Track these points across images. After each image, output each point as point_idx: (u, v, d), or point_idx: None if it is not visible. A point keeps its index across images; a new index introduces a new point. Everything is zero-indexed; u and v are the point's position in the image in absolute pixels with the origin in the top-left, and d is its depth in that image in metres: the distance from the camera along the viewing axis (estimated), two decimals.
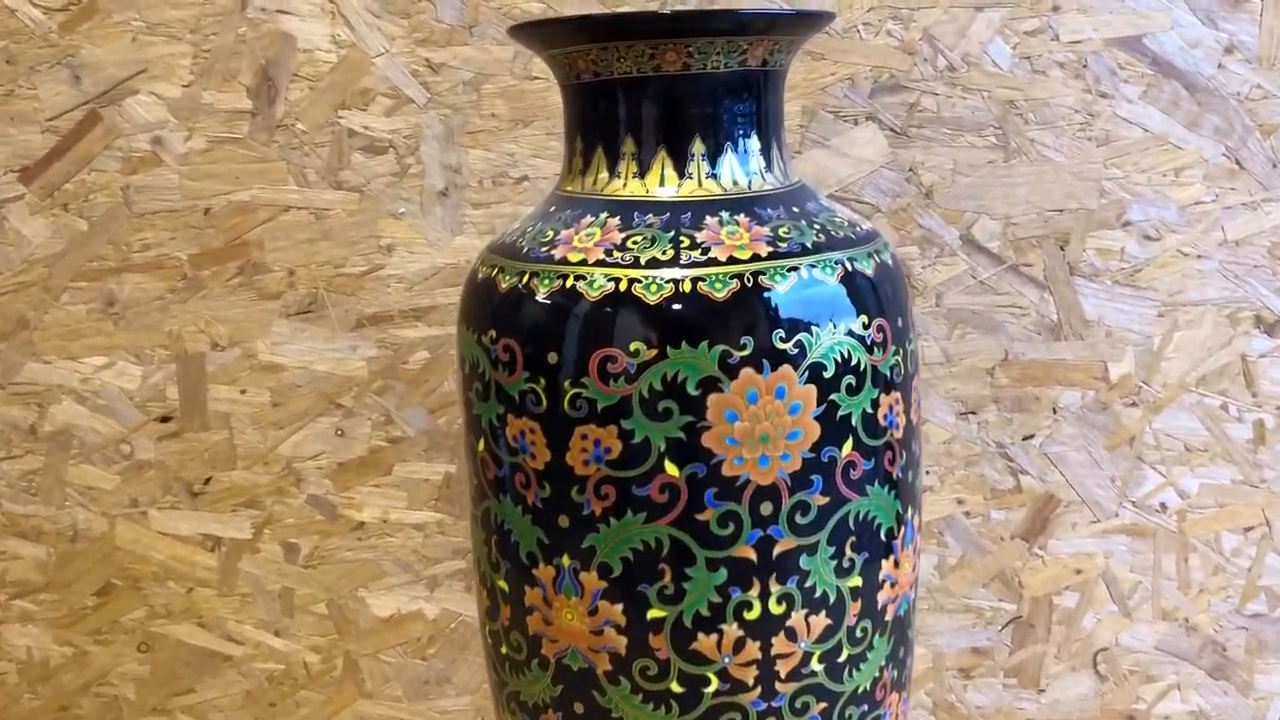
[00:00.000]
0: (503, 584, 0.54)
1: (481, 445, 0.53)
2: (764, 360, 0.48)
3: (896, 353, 0.52)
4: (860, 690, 0.53)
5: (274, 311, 0.83)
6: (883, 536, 0.53)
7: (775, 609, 0.50)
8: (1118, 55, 0.79)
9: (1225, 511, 0.85)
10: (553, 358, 0.49)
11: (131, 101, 0.80)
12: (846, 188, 0.81)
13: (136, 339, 0.84)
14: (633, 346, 0.48)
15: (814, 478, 0.49)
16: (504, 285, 0.51)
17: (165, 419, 0.85)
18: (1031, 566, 0.86)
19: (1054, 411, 0.84)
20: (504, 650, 0.55)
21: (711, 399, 0.48)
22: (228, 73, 0.80)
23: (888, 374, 0.51)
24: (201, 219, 0.82)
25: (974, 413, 0.84)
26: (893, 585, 0.54)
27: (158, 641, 0.88)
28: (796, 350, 0.48)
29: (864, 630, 0.53)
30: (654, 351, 0.48)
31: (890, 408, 0.52)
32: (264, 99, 0.80)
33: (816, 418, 0.49)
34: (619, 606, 0.50)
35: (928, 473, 0.85)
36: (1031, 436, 0.85)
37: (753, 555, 0.49)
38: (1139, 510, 0.85)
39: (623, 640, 0.50)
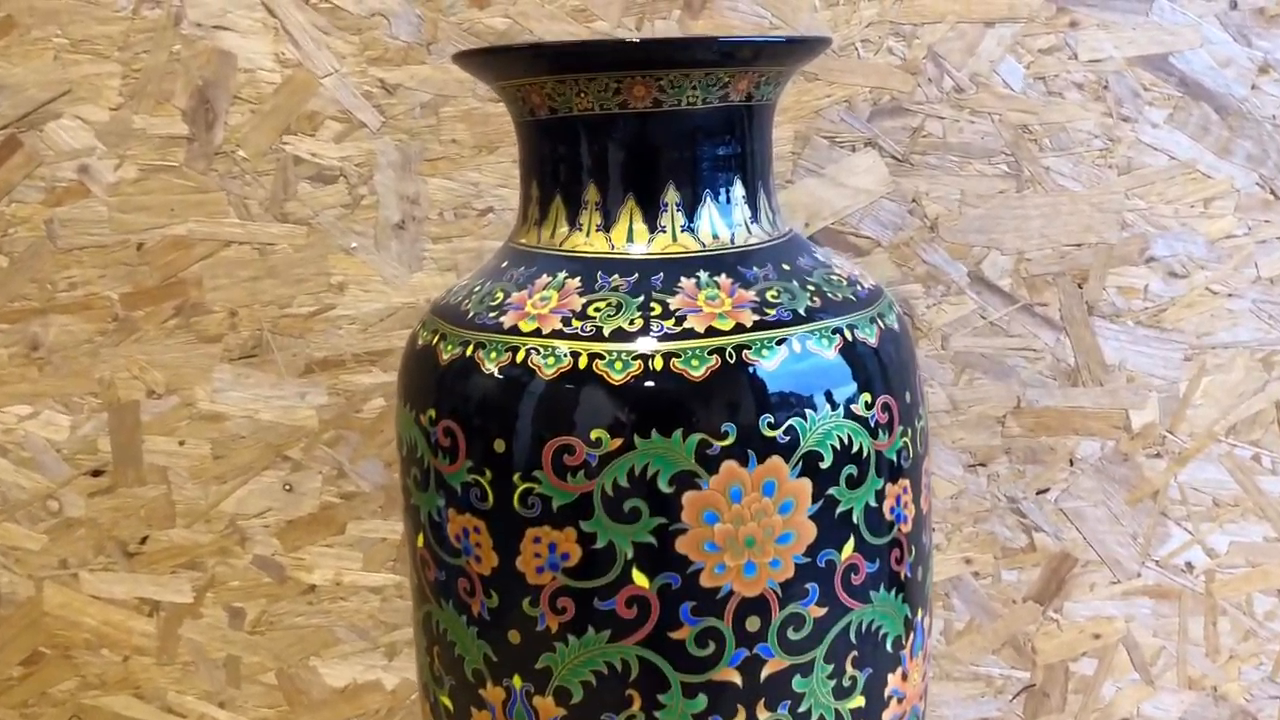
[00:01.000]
0: (447, 701, 0.46)
1: (421, 540, 0.46)
2: (749, 450, 0.40)
3: (904, 434, 0.45)
4: None
5: (215, 356, 0.76)
6: (889, 647, 0.45)
7: None
8: (1142, 75, 0.72)
9: (1257, 571, 0.78)
10: (500, 445, 0.42)
11: (55, 126, 0.73)
12: (843, 220, 0.74)
13: (64, 386, 0.76)
14: (594, 435, 0.40)
15: (809, 586, 0.42)
16: (446, 356, 0.44)
17: (97, 473, 0.77)
18: (1046, 631, 0.79)
19: (1071, 463, 0.77)
20: None
21: (687, 497, 0.40)
22: (161, 95, 0.72)
23: (894, 459, 0.44)
24: (134, 255, 0.74)
25: (983, 464, 0.77)
26: (900, 701, 0.46)
27: (91, 715, 0.81)
28: (788, 438, 0.41)
29: None
30: (619, 441, 0.40)
31: (897, 499, 0.44)
32: (201, 123, 0.73)
33: (812, 516, 0.42)
34: None
35: (933, 529, 0.77)
36: (1046, 490, 0.77)
37: (737, 679, 0.42)
38: (1163, 570, 0.78)
39: None
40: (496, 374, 0.42)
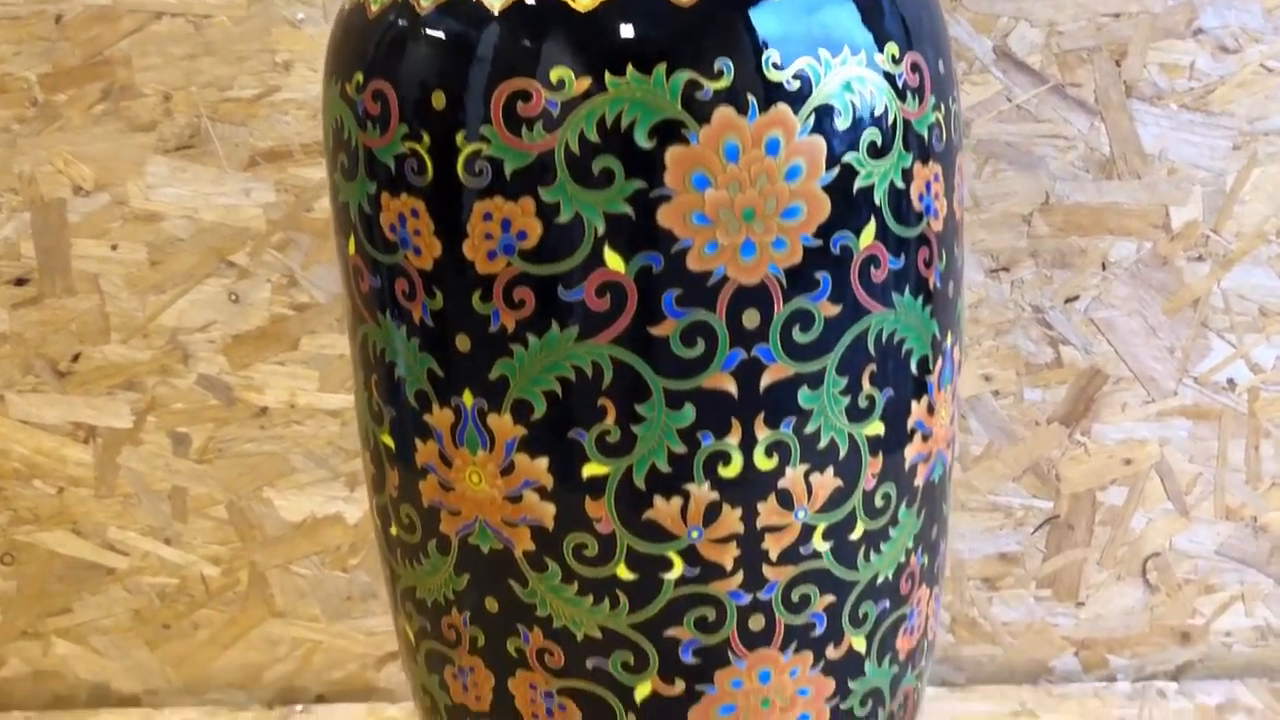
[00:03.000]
0: (387, 440, 0.39)
1: (352, 246, 0.38)
2: (749, 96, 0.33)
3: (937, 108, 0.37)
4: (880, 580, 0.39)
5: (148, 146, 0.68)
6: (913, 368, 0.38)
7: (763, 463, 0.36)
8: None
9: None
10: (439, 100, 0.34)
11: None
12: None
13: None
14: (554, 75, 0.32)
15: (820, 276, 0.35)
16: (375, 8, 0.36)
17: (20, 281, 0.69)
18: (1072, 456, 0.72)
19: (1103, 268, 0.69)
20: (393, 531, 0.40)
21: (672, 154, 0.33)
22: None
23: (925, 136, 0.36)
24: (52, 29, 0.66)
25: (1006, 269, 0.69)
26: (925, 439, 0.39)
27: (24, 552, 0.74)
28: (797, 83, 0.33)
29: (886, 498, 0.38)
30: (586, 81, 0.32)
31: (927, 185, 0.37)
32: None
33: (825, 188, 0.34)
34: (543, 461, 0.35)
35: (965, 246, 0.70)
36: (1075, 299, 0.70)
37: (731, 387, 0.35)
38: (1202, 388, 0.71)
39: (549, 509, 0.36)
40: (433, 11, 0.34)
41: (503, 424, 0.35)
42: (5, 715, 0.75)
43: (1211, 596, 0.75)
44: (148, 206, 0.68)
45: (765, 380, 0.35)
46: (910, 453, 0.38)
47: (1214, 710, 0.72)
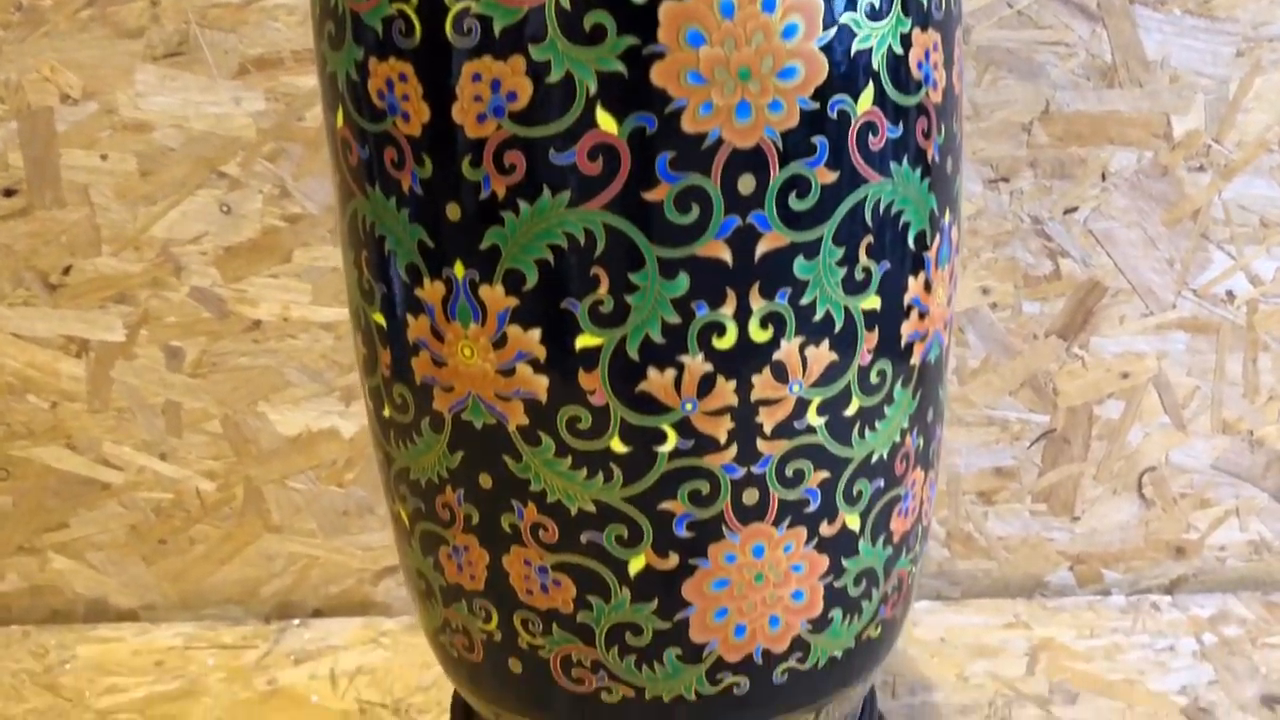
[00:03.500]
0: (378, 318, 0.39)
1: (340, 118, 0.37)
2: None
3: None
4: (874, 459, 0.39)
5: (136, 54, 0.66)
6: (910, 243, 0.37)
7: (758, 334, 0.35)
8: None
9: None
10: None
11: None
12: None
13: None
14: None
15: (817, 141, 0.34)
16: None
17: (9, 192, 0.69)
18: (1069, 370, 0.72)
19: (1103, 178, 0.69)
20: (386, 413, 0.40)
21: (666, 9, 0.32)
22: None
23: (925, 2, 0.36)
24: None
25: (1005, 180, 0.69)
26: (922, 317, 0.39)
27: (20, 467, 0.73)
28: None
29: (881, 375, 0.38)
30: None
31: (926, 54, 0.36)
32: None
33: (823, 48, 0.33)
34: (535, 333, 0.35)
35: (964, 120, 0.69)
36: (1074, 209, 0.69)
37: (726, 255, 0.34)
38: (1201, 300, 0.71)
39: (542, 382, 0.36)
40: None
41: (494, 295, 0.35)
42: (4, 629, 0.76)
43: (1206, 511, 0.75)
44: (137, 115, 0.67)
45: (761, 249, 0.34)
46: (906, 330, 0.38)
47: (1206, 622, 0.72)
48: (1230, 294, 0.71)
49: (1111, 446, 0.73)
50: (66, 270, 0.70)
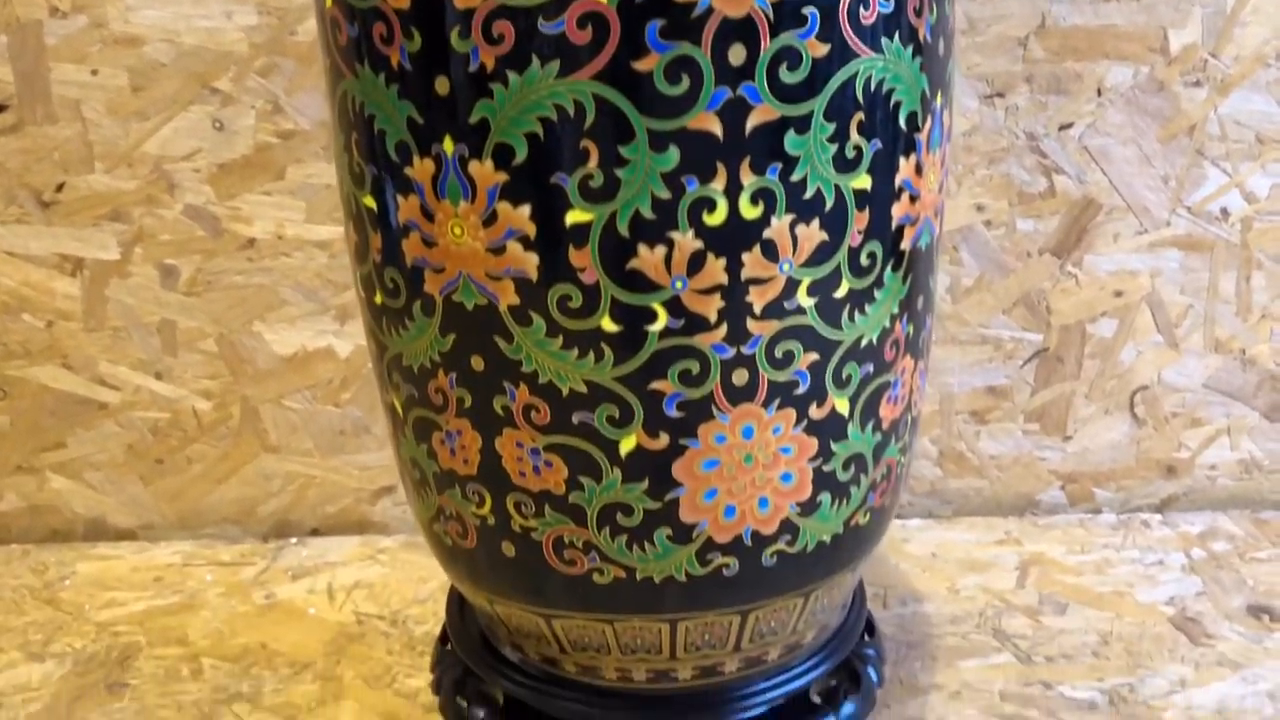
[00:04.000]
0: (369, 202, 0.39)
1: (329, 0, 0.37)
2: None
3: None
4: (864, 343, 0.39)
5: None
6: (902, 123, 0.37)
7: (748, 211, 0.35)
8: None
9: None
10: None
11: None
12: None
13: None
14: None
15: (808, 12, 0.34)
16: None
17: (0, 108, 0.68)
18: (1063, 288, 0.72)
19: (1098, 93, 0.68)
20: (378, 300, 0.40)
21: None
22: None
23: None
24: None
25: (1001, 95, 0.68)
26: (913, 200, 0.39)
27: (16, 387, 0.74)
28: None
29: (871, 257, 0.38)
30: None
31: None
32: None
33: None
34: (525, 209, 0.35)
35: None
36: (1070, 126, 0.69)
37: (716, 128, 0.34)
38: (1195, 218, 0.71)
39: (532, 259, 0.36)
40: None
41: (484, 171, 0.35)
42: (4, 548, 0.76)
43: (1198, 430, 0.75)
44: (127, 29, 0.67)
45: (751, 122, 0.34)
46: (897, 212, 0.38)
47: (1196, 538, 0.73)
48: (1225, 211, 0.70)
49: (1104, 365, 0.74)
50: (59, 188, 0.70)
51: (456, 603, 0.51)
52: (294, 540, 0.76)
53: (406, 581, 0.71)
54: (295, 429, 0.75)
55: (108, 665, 0.63)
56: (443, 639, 0.52)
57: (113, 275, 0.71)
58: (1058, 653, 0.61)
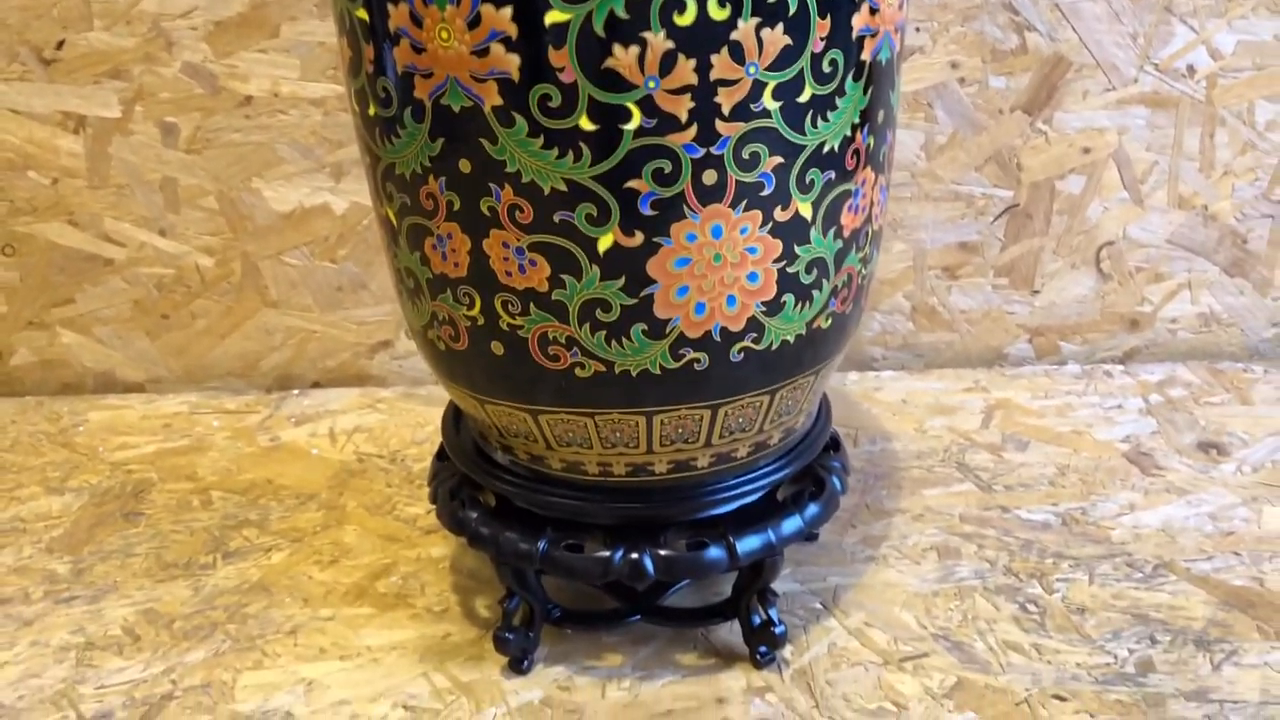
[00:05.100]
0: (361, 13, 0.41)
1: None
2: None
3: None
4: (826, 149, 0.42)
5: None
6: None
7: (716, 12, 0.38)
8: None
9: (1263, 75, 0.73)
10: None
11: None
12: None
13: None
14: None
15: None
16: None
17: None
18: (1033, 145, 0.74)
19: None
20: (371, 111, 0.43)
21: None
22: None
23: None
24: None
25: None
26: (874, 13, 0.41)
27: (25, 243, 0.77)
28: None
29: (833, 64, 0.40)
30: None
31: None
32: None
33: None
34: (507, 10, 0.37)
35: (917, 29, 0.71)
36: None
37: None
38: (1162, 75, 0.73)
39: (514, 60, 0.38)
40: None
41: None
42: (18, 400, 0.80)
43: (1160, 284, 0.78)
44: None
45: None
46: (858, 22, 0.41)
47: (1154, 385, 0.76)
48: (1191, 68, 0.73)
49: (1072, 221, 0.77)
50: (60, 45, 0.72)
51: (452, 418, 0.55)
52: (296, 391, 0.80)
53: (404, 426, 0.74)
54: (294, 285, 0.78)
55: (123, 498, 0.67)
56: (439, 455, 0.56)
57: (114, 133, 0.74)
58: (1016, 482, 0.65)
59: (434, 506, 0.54)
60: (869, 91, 0.43)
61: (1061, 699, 0.48)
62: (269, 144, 0.74)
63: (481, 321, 0.44)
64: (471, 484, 0.53)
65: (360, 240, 0.76)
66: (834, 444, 0.56)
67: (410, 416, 0.76)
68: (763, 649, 0.51)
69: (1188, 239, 0.77)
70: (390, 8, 0.40)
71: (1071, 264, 0.78)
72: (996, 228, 0.77)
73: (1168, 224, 0.77)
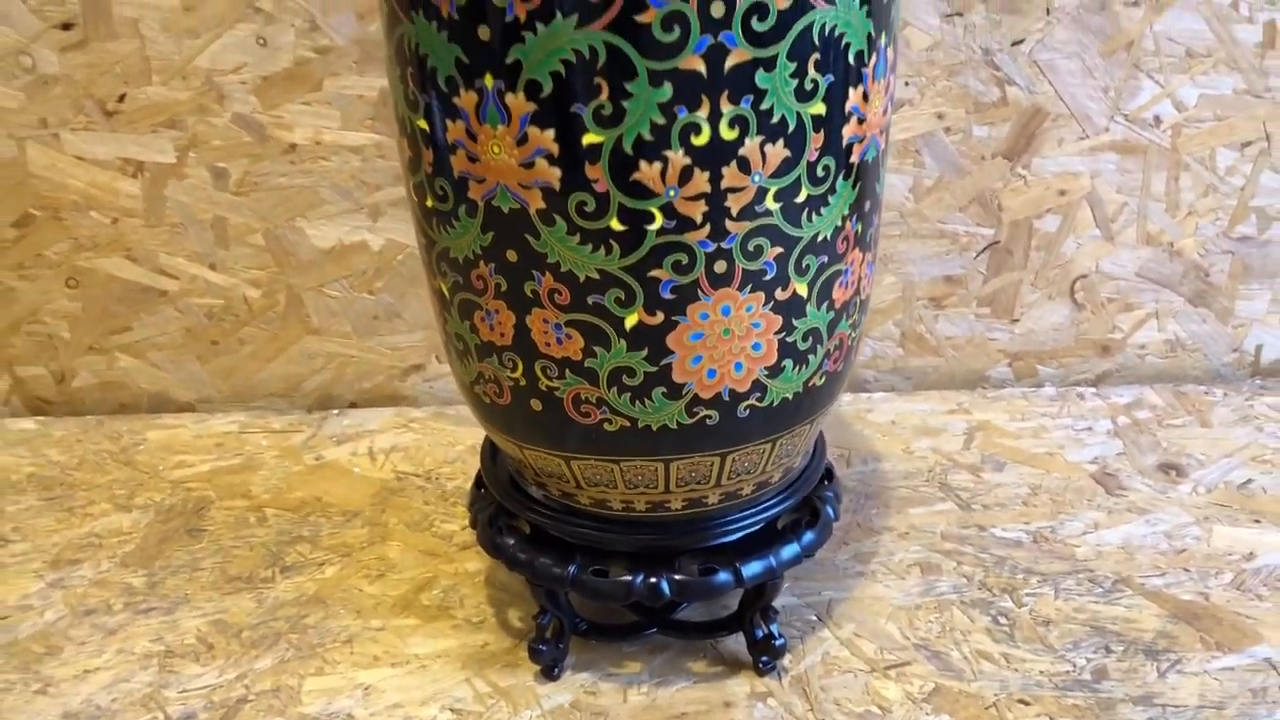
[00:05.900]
0: (422, 123, 0.48)
1: None
2: None
3: None
4: (820, 238, 0.49)
5: None
6: (851, 59, 0.46)
7: (727, 133, 0.44)
8: None
9: (1223, 125, 0.79)
10: None
11: None
12: None
13: None
14: None
15: None
16: None
17: (66, 26, 0.76)
18: (1013, 188, 0.81)
19: (1047, 13, 0.76)
20: (429, 204, 0.50)
21: None
22: None
23: None
24: None
25: (960, 14, 0.76)
26: (860, 122, 0.48)
27: (87, 276, 0.83)
28: None
29: (826, 169, 0.47)
30: None
31: None
32: None
33: None
34: (550, 132, 0.44)
35: (906, 83, 0.78)
36: (1021, 41, 0.77)
37: (701, 68, 0.43)
38: (1131, 125, 0.79)
39: (555, 173, 0.45)
40: None
41: (518, 101, 0.44)
42: (80, 419, 0.87)
43: (1130, 314, 0.85)
44: None
45: (729, 63, 0.43)
46: (847, 132, 0.47)
47: (1123, 408, 0.84)
48: (1157, 118, 0.79)
49: (1048, 256, 0.83)
50: (121, 98, 0.78)
51: (489, 453, 0.62)
52: (335, 411, 0.87)
53: (438, 446, 0.81)
54: (334, 314, 0.85)
55: (185, 514, 0.74)
56: (477, 484, 0.63)
57: (170, 177, 0.80)
58: (993, 502, 0.73)
59: (474, 530, 0.61)
60: (857, 187, 0.49)
61: (1025, 703, 0.56)
62: (312, 187, 0.80)
63: (523, 383, 0.51)
64: (507, 513, 0.60)
65: (395, 274, 0.83)
66: (828, 474, 0.63)
67: (442, 436, 0.83)
68: (765, 659, 0.58)
69: (1155, 272, 0.84)
70: (449, 123, 0.46)
71: (1048, 295, 0.84)
72: (979, 262, 0.83)
73: (1137, 259, 0.83)
